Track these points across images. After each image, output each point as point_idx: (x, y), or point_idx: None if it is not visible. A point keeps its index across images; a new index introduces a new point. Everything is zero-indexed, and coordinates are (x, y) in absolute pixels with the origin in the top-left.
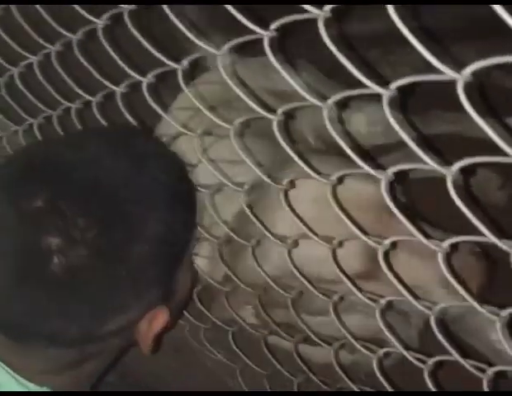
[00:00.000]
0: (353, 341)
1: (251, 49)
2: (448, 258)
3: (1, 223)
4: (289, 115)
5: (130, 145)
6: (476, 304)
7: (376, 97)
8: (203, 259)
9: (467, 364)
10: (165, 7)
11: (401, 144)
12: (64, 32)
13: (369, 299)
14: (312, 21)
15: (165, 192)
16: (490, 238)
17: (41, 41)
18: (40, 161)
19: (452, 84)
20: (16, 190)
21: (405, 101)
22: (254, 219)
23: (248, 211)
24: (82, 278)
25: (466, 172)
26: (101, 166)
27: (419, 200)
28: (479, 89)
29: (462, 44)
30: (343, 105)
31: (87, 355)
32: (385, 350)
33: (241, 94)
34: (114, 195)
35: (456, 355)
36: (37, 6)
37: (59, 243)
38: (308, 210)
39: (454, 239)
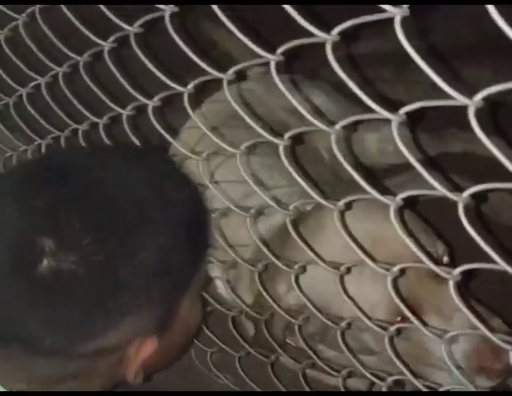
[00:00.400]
0: (361, 369)
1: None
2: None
3: (4, 217)
4: (298, 137)
5: (149, 164)
6: (488, 332)
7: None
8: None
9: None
10: (171, 30)
11: (412, 166)
12: (71, 54)
13: (378, 326)
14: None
15: (174, 217)
16: (503, 265)
17: (49, 63)
18: (53, 163)
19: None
20: (25, 187)
21: (420, 120)
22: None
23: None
24: (68, 285)
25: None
26: (113, 178)
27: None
28: (492, 110)
29: (477, 63)
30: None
31: (71, 372)
32: (394, 377)
33: (247, 118)
34: (119, 207)
35: (469, 385)
36: (45, 28)
37: (51, 245)
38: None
39: (466, 267)
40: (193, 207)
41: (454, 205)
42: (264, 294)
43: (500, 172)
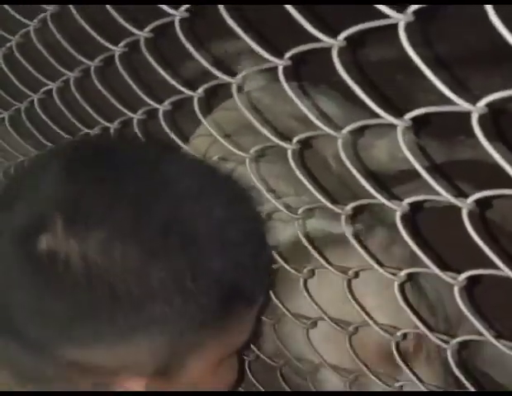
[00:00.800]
0: (367, 372)
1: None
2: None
3: (39, 180)
4: (305, 143)
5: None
6: (492, 339)
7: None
8: None
9: None
10: (180, 35)
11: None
12: (83, 59)
13: (383, 330)
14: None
15: (215, 249)
16: (507, 272)
17: (60, 68)
18: (113, 147)
19: None
20: (72, 159)
21: (429, 126)
22: None
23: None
24: (60, 273)
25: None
26: (169, 185)
27: (437, 228)
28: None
29: (485, 70)
30: (366, 129)
31: (45, 376)
32: (401, 383)
33: (255, 122)
34: (154, 216)
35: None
36: (56, 33)
37: (59, 223)
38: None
39: (470, 273)
40: (248, 250)
41: (460, 211)
42: (276, 301)
43: (508, 178)
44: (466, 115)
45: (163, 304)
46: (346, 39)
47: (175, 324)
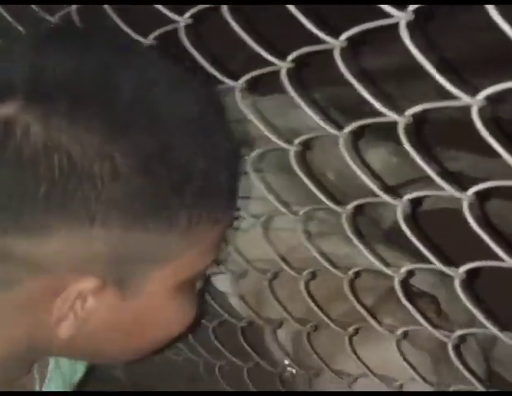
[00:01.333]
0: (369, 373)
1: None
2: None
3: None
4: (306, 146)
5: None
6: (495, 330)
7: None
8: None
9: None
10: (186, 41)
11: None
12: None
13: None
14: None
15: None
16: (508, 261)
17: None
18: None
19: (455, 123)
20: (36, 42)
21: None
22: None
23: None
24: (15, 145)
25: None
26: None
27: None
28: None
29: (494, 75)
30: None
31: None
32: (400, 382)
33: (260, 125)
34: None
35: (475, 383)
36: None
37: (21, 97)
38: None
39: (469, 265)
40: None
41: (458, 212)
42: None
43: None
44: (444, 127)
45: (125, 185)
46: (347, 39)
47: (134, 208)
